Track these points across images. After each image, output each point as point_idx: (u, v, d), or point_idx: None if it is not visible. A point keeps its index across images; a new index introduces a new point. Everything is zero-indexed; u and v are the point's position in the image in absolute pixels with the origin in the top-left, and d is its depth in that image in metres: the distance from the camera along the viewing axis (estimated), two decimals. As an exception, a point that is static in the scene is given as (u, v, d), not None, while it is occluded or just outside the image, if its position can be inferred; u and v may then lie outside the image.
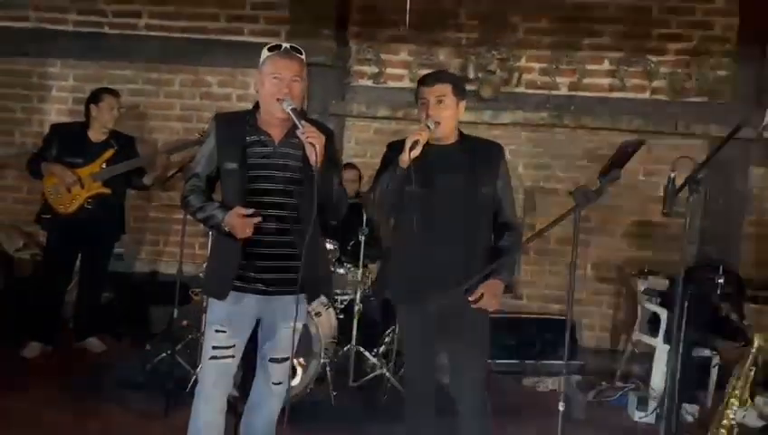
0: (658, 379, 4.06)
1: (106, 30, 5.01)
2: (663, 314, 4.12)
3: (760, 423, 3.86)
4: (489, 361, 4.24)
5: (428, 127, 2.38)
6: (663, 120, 4.59)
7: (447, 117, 2.44)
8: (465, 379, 2.43)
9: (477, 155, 2.51)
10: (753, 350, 2.43)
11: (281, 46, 2.39)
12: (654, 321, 4.25)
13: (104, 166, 4.07)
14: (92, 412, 3.25)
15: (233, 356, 2.28)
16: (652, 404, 3.85)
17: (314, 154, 2.19)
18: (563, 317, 4.71)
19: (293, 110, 2.25)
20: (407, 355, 2.55)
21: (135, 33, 4.98)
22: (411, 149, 2.27)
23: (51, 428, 3.06)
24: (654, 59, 4.64)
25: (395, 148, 2.44)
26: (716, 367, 4.09)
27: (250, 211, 2.22)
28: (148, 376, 3.55)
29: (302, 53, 2.40)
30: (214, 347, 2.26)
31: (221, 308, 2.27)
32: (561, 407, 2.14)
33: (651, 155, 4.66)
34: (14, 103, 5.10)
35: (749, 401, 2.32)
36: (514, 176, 4.60)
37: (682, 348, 3.84)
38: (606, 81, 4.71)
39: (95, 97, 4.16)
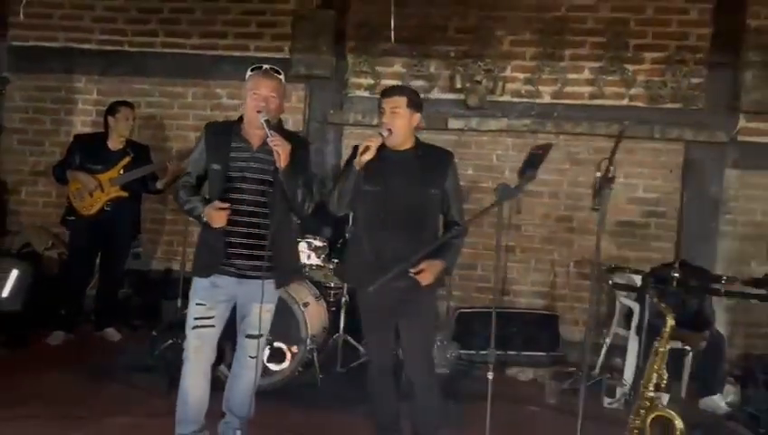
0: (630, 369, 4.32)
1: (126, 48, 5.48)
2: (636, 308, 4.38)
3: (725, 410, 4.11)
4: (473, 352, 4.62)
5: (381, 134, 2.74)
6: (640, 125, 4.85)
7: (400, 126, 2.78)
8: (413, 359, 2.76)
9: (428, 160, 2.85)
10: (667, 329, 2.69)
11: (261, 67, 2.79)
12: (630, 315, 4.52)
13: (122, 172, 4.52)
14: (105, 389, 3.67)
15: (213, 326, 2.67)
16: (620, 392, 4.11)
17: (279, 159, 2.57)
18: (546, 312, 5.02)
19: (266, 121, 2.64)
20: (365, 333, 2.91)
21: (152, 50, 5.43)
22: (363, 153, 2.63)
23: (69, 401, 3.48)
24: (631, 68, 4.89)
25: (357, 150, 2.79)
26: (689, 358, 4.35)
27: (225, 205, 2.61)
28: (156, 360, 3.95)
29: (280, 73, 2.81)
30: (195, 318, 2.66)
31: (202, 285, 2.67)
32: (489, 376, 2.44)
33: (631, 158, 4.93)
34: (43, 116, 5.60)
35: (665, 376, 2.58)
36: (499, 178, 4.95)
37: (645, 339, 4.12)
38: (586, 89, 4.98)
39: (112, 109, 4.63)
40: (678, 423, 2.46)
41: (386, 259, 2.64)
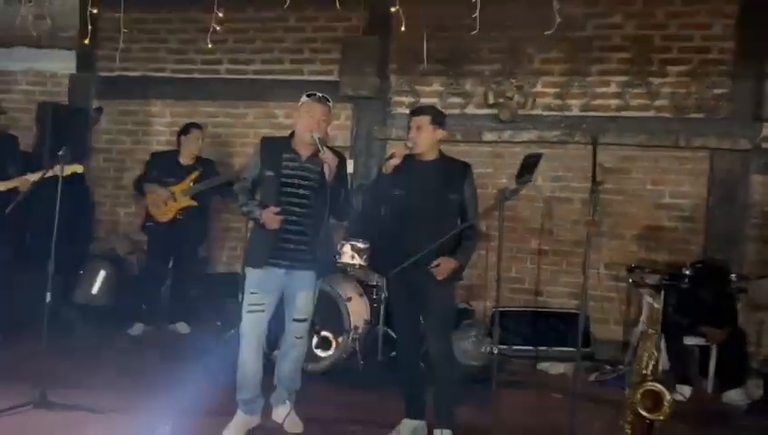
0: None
1: (195, 75, 6.17)
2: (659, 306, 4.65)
3: (746, 402, 4.32)
4: (506, 346, 4.97)
5: (407, 145, 3.22)
6: (665, 135, 5.13)
7: (423, 139, 3.26)
8: (432, 332, 3.21)
9: (449, 170, 3.30)
10: (652, 314, 3.02)
11: (315, 94, 3.30)
12: (656, 313, 4.79)
13: (192, 184, 5.16)
14: (176, 370, 4.24)
15: (263, 311, 3.19)
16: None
17: (329, 171, 3.09)
18: (576, 311, 5.33)
19: (320, 139, 3.15)
20: (393, 311, 3.38)
21: (217, 76, 6.11)
22: (389, 158, 3.11)
23: (144, 377, 4.09)
24: (656, 81, 5.19)
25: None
26: (714, 353, 4.58)
27: (278, 209, 3.14)
28: (221, 347, 4.51)
29: (329, 101, 3.32)
30: (249, 304, 3.18)
31: (255, 276, 3.20)
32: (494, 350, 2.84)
33: (657, 165, 5.22)
34: (125, 137, 6.35)
35: (654, 355, 2.90)
36: (534, 187, 5.31)
37: (668, 336, 4.41)
38: (613, 101, 5.30)
39: (184, 130, 5.30)
40: (666, 395, 2.78)
41: (409, 251, 3.10)
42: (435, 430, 3.19)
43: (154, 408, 3.33)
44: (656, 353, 2.88)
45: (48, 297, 3.47)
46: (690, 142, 5.10)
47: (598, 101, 5.34)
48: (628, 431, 2.92)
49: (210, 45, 4.41)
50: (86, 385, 3.78)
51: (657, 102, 5.22)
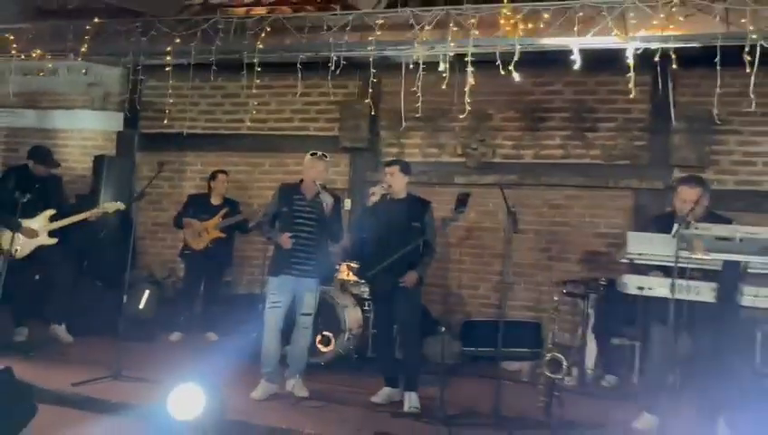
0: (591, 357, 5.78)
1: (221, 131, 7.55)
2: (591, 312, 5.86)
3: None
4: (473, 348, 6.14)
5: (383, 187, 4.51)
6: (599, 178, 6.41)
7: (395, 183, 4.55)
8: (401, 316, 4.46)
9: (414, 205, 4.59)
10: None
11: (317, 153, 4.62)
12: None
13: (220, 220, 6.45)
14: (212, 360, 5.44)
15: (280, 307, 4.44)
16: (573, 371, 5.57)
17: (327, 208, 4.39)
18: (531, 320, 6.52)
19: (321, 185, 4.46)
20: (373, 305, 4.62)
21: (239, 132, 7.47)
22: (371, 196, 4.41)
23: (188, 362, 5.24)
24: (590, 135, 6.51)
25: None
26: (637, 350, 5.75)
27: (290, 235, 4.43)
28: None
29: (327, 157, 4.63)
30: (270, 302, 4.45)
31: (274, 282, 4.48)
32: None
33: (594, 202, 6.49)
34: (163, 182, 7.66)
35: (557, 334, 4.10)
36: (495, 220, 6.56)
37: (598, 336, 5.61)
38: (557, 151, 6.61)
39: (212, 176, 6.63)
40: (564, 361, 3.99)
41: (384, 262, 4.37)
42: (404, 393, 4.40)
43: (200, 377, 4.53)
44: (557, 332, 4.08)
45: (125, 299, 4.70)
46: (618, 183, 6.38)
47: (545, 151, 6.65)
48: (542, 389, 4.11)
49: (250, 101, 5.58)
50: (145, 368, 4.98)
51: (592, 152, 6.52)
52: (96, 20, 4.80)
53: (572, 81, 6.54)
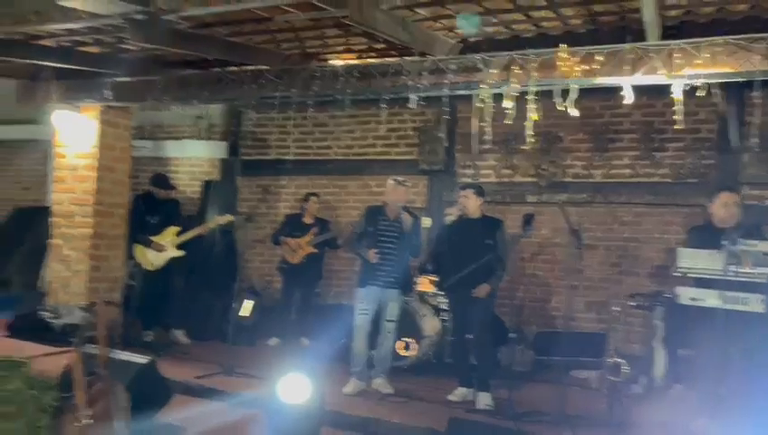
0: (659, 368, 6.06)
1: (311, 157, 8.34)
2: (660, 324, 6.13)
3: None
4: (545, 357, 6.54)
5: (459, 209, 5.07)
6: (667, 196, 6.69)
7: (470, 205, 5.11)
8: (476, 324, 4.97)
9: (487, 224, 5.12)
10: None
11: (397, 179, 5.26)
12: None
13: (313, 237, 7.19)
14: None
15: (367, 314, 5.08)
16: (642, 380, 5.87)
17: (407, 226, 5.01)
18: (598, 332, 6.83)
19: (403, 207, 5.09)
20: (451, 319, 5.16)
21: (328, 158, 8.24)
22: (447, 216, 4.98)
23: (287, 363, 5.98)
24: (658, 154, 6.80)
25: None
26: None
27: (376, 250, 5.06)
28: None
29: (407, 183, 5.26)
30: (359, 310, 5.09)
31: (362, 292, 5.11)
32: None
33: (661, 220, 6.76)
34: (260, 204, 8.56)
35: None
36: (566, 237, 6.92)
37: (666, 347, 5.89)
38: (626, 170, 6.94)
39: (305, 198, 7.39)
40: (624, 365, 4.38)
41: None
42: (478, 392, 4.91)
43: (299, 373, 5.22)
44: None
45: (235, 306, 5.49)
46: (687, 201, 6.63)
47: (614, 171, 7.00)
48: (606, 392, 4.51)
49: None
50: (251, 366, 5.71)
51: (660, 171, 6.81)
52: (214, 70, 5.66)
53: (641, 104, 6.85)
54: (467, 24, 4.36)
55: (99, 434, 3.05)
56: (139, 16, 4.13)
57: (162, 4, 3.98)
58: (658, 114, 6.84)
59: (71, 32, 5.12)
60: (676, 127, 4.12)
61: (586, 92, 4.86)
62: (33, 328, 6.19)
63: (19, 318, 6.51)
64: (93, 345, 3.38)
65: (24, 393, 3.82)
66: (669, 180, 6.78)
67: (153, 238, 6.44)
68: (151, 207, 6.44)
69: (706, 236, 4.09)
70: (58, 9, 4.27)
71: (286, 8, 4.19)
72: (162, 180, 6.82)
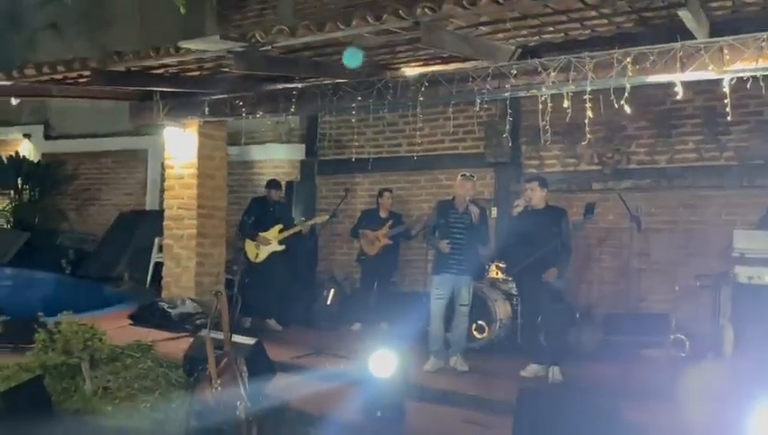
0: (728, 346, 6.25)
1: (384, 155, 8.88)
2: (727, 305, 6.32)
3: None
4: (614, 337, 6.84)
5: (526, 200, 5.48)
6: (732, 178, 6.83)
7: (535, 197, 5.51)
8: (545, 314, 5.38)
9: (553, 213, 5.51)
10: None
11: (465, 174, 5.72)
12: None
13: (388, 229, 7.74)
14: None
15: (442, 299, 5.57)
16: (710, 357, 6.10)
17: (475, 217, 5.47)
18: (662, 312, 7.04)
19: (470, 200, 5.55)
20: (522, 301, 5.60)
21: (398, 155, 8.76)
22: (515, 207, 5.40)
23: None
24: (723, 138, 6.94)
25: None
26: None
27: (447, 241, 5.55)
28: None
29: (474, 177, 5.71)
30: (435, 295, 5.59)
31: (437, 279, 5.62)
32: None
33: (727, 202, 6.91)
34: (337, 199, 9.16)
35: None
36: (628, 220, 7.19)
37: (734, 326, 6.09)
38: (691, 155, 7.11)
39: (379, 193, 7.95)
40: (685, 341, 4.68)
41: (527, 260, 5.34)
42: (549, 368, 5.33)
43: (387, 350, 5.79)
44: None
45: (323, 294, 6.11)
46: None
47: (679, 156, 7.17)
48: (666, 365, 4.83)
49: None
50: (339, 348, 6.28)
51: (725, 154, 6.95)
52: (299, 85, 6.31)
53: (702, 89, 6.99)
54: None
55: (227, 396, 3.71)
56: (240, 49, 4.80)
57: (259, 38, 4.59)
58: (721, 97, 6.93)
59: (180, 62, 5.86)
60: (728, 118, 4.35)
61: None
62: (152, 317, 7.05)
63: (140, 309, 7.47)
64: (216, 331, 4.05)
65: (156, 370, 4.56)
66: (735, 163, 6.90)
67: (261, 234, 7.30)
68: (265, 207, 7.45)
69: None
70: (174, 46, 5.01)
71: (366, 35, 4.72)
72: (276, 184, 7.72)
